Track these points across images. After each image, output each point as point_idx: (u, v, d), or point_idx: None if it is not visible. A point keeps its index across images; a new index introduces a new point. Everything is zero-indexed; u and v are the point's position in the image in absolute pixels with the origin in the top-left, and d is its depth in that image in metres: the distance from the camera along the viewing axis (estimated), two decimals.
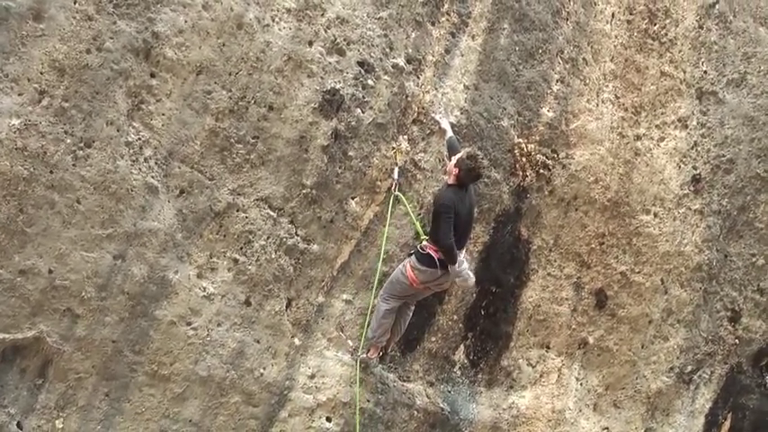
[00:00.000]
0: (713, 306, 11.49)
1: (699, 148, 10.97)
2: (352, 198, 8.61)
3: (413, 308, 9.05)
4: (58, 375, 7.40)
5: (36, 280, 7.07)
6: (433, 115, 8.93)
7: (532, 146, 9.70)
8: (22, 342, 7.16)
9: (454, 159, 8.43)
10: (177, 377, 7.95)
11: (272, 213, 8.15)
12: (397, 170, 8.75)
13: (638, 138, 10.51)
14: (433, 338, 9.46)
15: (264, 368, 8.39)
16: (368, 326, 8.84)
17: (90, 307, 7.36)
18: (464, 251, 8.66)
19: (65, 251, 7.15)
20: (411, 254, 8.66)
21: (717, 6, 11.04)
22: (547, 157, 9.84)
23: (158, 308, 7.72)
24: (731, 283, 11.58)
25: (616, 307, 10.72)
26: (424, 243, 8.57)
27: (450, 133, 8.87)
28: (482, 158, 8.64)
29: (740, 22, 11.27)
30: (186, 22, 7.42)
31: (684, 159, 10.86)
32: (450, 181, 8.46)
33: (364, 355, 8.91)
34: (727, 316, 11.66)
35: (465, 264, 8.57)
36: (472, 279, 8.68)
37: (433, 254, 8.39)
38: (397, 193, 8.77)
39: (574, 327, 10.47)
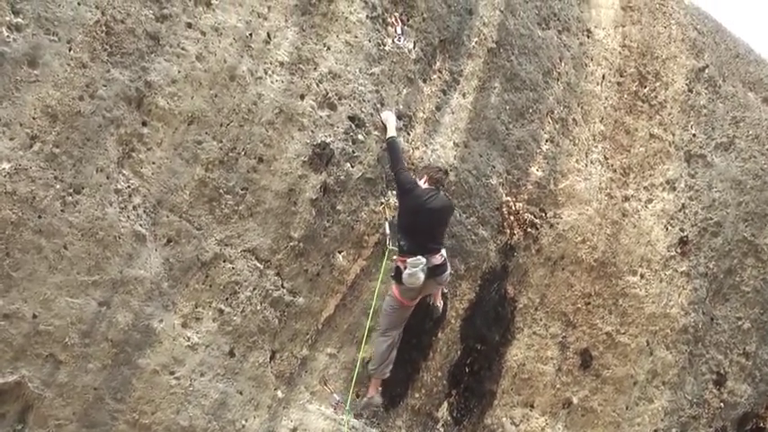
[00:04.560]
0: (698, 369, 11.47)
1: (686, 211, 11.04)
2: (340, 252, 8.61)
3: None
4: (38, 421, 7.32)
5: (20, 324, 7.02)
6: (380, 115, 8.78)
7: (521, 204, 9.75)
8: (3, 387, 7.09)
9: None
10: (158, 426, 7.87)
11: (258, 265, 8.15)
12: (387, 225, 8.77)
13: (626, 199, 10.58)
14: (417, 395, 9.41)
15: (246, 420, 8.33)
16: (354, 383, 8.80)
17: (73, 353, 7.31)
18: (435, 256, 8.48)
19: (50, 296, 7.12)
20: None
21: (706, 71, 11.19)
22: (535, 216, 9.89)
23: (142, 356, 7.67)
24: (717, 347, 11.57)
25: (601, 367, 10.69)
26: (394, 258, 8.60)
27: (392, 133, 8.66)
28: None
29: (729, 87, 11.42)
30: (179, 72, 7.48)
31: (672, 221, 10.92)
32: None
33: (365, 399, 8.87)
34: (713, 379, 11.64)
35: (420, 266, 8.33)
36: (420, 280, 8.36)
37: (399, 265, 8.45)
38: (392, 246, 8.73)
39: (558, 386, 10.43)
